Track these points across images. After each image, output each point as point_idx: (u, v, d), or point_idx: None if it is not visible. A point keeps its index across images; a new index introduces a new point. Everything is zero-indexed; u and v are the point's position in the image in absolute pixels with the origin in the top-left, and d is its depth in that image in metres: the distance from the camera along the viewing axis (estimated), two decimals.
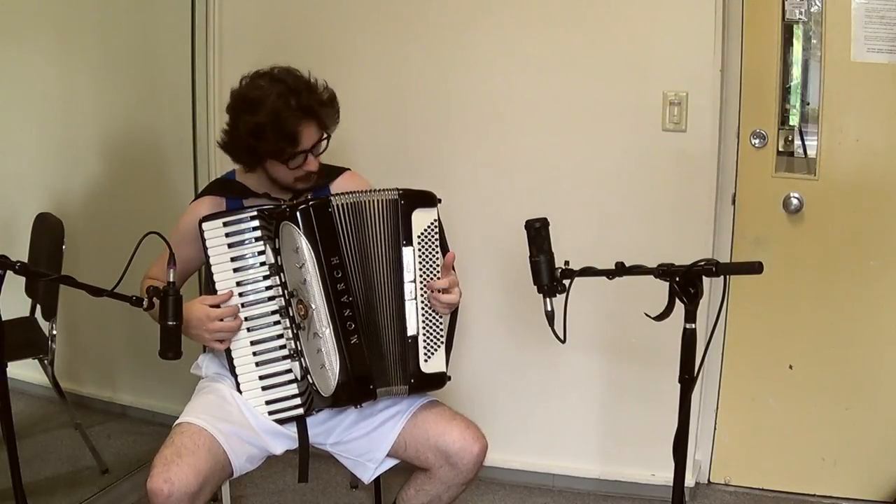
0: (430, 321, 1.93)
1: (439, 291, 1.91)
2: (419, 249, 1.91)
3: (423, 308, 1.92)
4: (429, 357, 1.92)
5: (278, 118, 1.89)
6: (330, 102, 1.99)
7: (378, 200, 1.91)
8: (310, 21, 2.88)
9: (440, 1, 2.76)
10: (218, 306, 1.91)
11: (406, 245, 1.90)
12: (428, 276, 1.92)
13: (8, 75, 3.00)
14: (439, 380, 1.94)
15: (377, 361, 1.92)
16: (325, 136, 1.99)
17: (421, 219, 1.92)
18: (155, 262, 2.05)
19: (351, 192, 1.93)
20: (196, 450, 1.79)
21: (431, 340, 1.93)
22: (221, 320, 1.90)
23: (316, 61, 2.81)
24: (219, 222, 1.93)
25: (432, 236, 1.93)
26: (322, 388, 1.89)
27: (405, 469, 2.07)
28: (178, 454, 1.77)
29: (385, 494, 2.34)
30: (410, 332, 1.91)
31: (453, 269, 1.98)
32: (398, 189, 1.92)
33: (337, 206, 1.89)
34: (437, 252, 1.94)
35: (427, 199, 1.94)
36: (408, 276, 1.91)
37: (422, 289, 1.92)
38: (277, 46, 2.90)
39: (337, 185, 2.11)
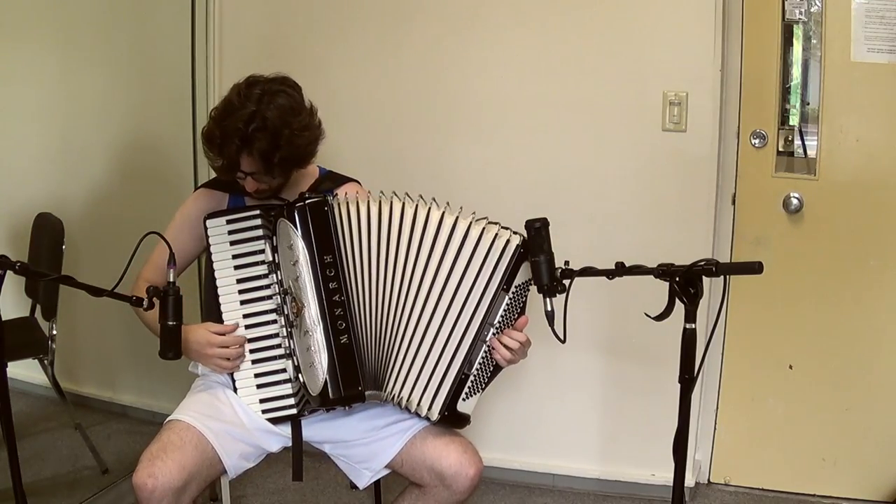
0: (485, 367, 1.92)
1: (511, 339, 1.89)
2: (510, 298, 1.90)
3: (486, 352, 1.91)
4: (467, 398, 1.91)
5: (224, 138, 1.89)
6: (291, 151, 1.91)
7: (482, 229, 1.89)
8: (309, 22, 2.88)
9: (438, 1, 2.76)
10: (222, 335, 1.93)
11: (504, 290, 1.88)
12: (504, 325, 1.91)
13: (8, 75, 3.00)
14: (464, 420, 1.93)
15: (372, 365, 1.91)
16: (272, 174, 1.94)
17: (525, 272, 1.89)
18: (147, 264, 2.04)
19: (475, 217, 1.90)
20: (182, 446, 1.80)
21: (477, 383, 1.91)
22: (225, 350, 1.93)
23: (314, 63, 2.84)
24: (222, 220, 1.95)
25: (524, 291, 1.91)
26: (311, 387, 1.89)
27: None
28: (163, 450, 1.78)
29: (385, 494, 2.34)
30: (467, 369, 1.89)
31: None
32: (522, 236, 1.88)
33: (336, 205, 1.90)
34: (521, 306, 1.92)
35: None
36: (491, 317, 1.89)
37: (494, 335, 1.90)
38: (277, 48, 2.90)
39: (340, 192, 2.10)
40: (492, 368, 1.92)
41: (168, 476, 1.74)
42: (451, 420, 1.91)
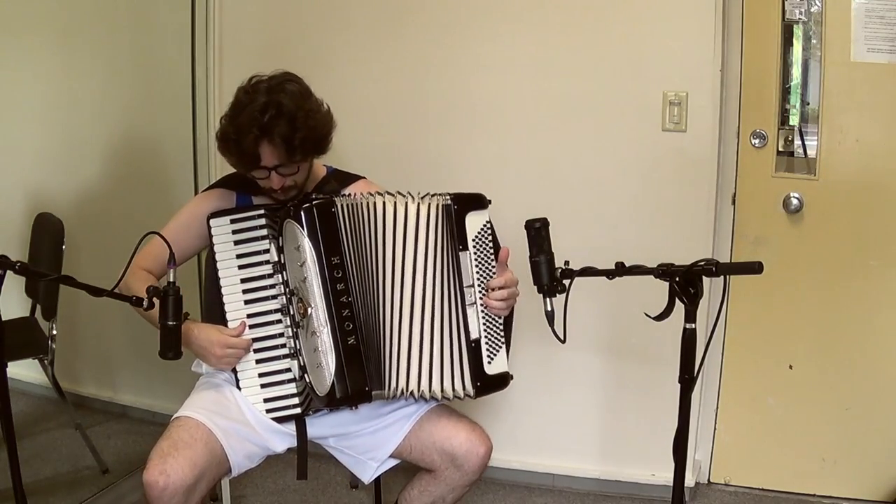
0: (491, 323, 1.92)
1: (493, 290, 1.89)
2: (475, 253, 1.90)
3: (482, 311, 1.91)
4: (492, 358, 1.91)
5: (240, 133, 1.88)
6: (309, 132, 1.91)
7: (428, 205, 1.90)
8: (309, 22, 2.88)
9: (439, 1, 2.76)
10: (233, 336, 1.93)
11: (462, 250, 1.89)
12: (485, 278, 1.91)
13: (9, 75, 3.00)
14: (503, 380, 1.93)
15: (376, 364, 1.91)
16: (296, 159, 1.93)
17: (474, 222, 1.90)
18: (142, 252, 2.00)
19: (391, 194, 1.91)
20: (193, 443, 1.79)
21: (493, 342, 1.92)
22: (234, 351, 1.93)
23: (315, 62, 2.84)
24: (226, 219, 1.94)
25: (486, 238, 1.92)
26: (318, 388, 1.89)
27: (406, 469, 2.07)
28: (174, 447, 1.77)
29: (385, 494, 2.34)
30: (473, 335, 1.89)
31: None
32: (449, 194, 1.90)
33: (342, 206, 1.89)
34: (491, 253, 1.93)
35: (479, 202, 1.92)
36: (466, 280, 1.89)
37: (481, 292, 1.90)
38: (277, 47, 2.90)
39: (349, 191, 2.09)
40: (501, 323, 1.93)
41: (180, 473, 1.73)
42: (489, 386, 1.90)
